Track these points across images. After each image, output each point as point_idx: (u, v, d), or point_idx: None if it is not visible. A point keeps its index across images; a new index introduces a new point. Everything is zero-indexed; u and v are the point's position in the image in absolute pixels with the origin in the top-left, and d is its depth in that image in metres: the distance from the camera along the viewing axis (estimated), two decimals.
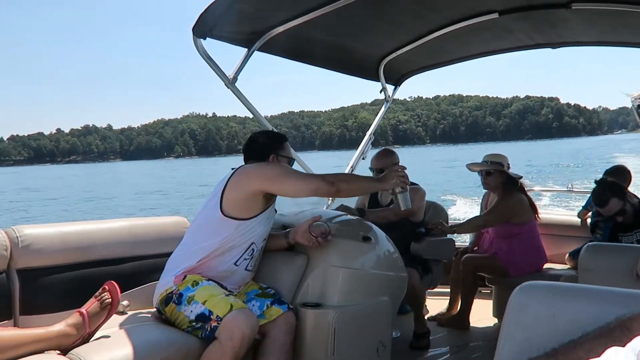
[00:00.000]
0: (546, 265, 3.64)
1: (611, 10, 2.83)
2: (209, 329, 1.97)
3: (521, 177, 3.58)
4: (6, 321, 2.03)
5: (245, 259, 2.24)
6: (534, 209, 3.55)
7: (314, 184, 2.18)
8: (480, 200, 3.93)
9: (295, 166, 2.90)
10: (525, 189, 3.65)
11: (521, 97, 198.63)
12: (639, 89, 0.64)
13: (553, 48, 3.77)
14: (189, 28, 2.68)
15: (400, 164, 3.38)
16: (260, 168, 2.24)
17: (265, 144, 2.42)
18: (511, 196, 3.46)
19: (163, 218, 2.74)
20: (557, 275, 3.30)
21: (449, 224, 3.47)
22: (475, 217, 3.68)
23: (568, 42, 3.71)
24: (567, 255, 3.67)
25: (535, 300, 1.14)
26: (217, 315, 1.96)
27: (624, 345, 0.74)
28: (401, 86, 4.36)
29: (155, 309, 2.25)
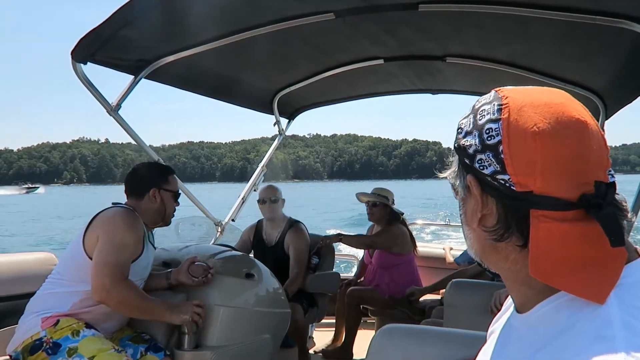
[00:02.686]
0: (424, 297, 3.84)
1: (479, 66, 3.16)
2: None
3: (403, 213, 3.79)
4: None
5: None
6: (413, 242, 3.80)
7: (99, 273, 1.94)
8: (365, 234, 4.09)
9: (183, 199, 2.82)
10: (407, 223, 3.88)
11: (409, 139, 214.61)
12: (450, 167, 0.71)
13: (433, 94, 4.16)
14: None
15: (284, 198, 3.43)
16: (110, 222, 2.04)
17: (147, 176, 2.27)
18: (394, 227, 3.69)
19: (26, 254, 2.50)
20: (431, 308, 3.49)
21: (335, 252, 3.64)
22: (364, 235, 3.89)
23: (445, 90, 4.09)
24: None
25: (393, 343, 1.21)
26: None
27: None
28: (301, 122, 4.51)
29: (9, 357, 1.99)
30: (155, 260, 2.45)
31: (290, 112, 4.36)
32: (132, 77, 2.93)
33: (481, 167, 0.64)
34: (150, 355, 2.07)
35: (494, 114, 0.64)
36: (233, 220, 3.94)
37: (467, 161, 0.66)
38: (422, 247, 4.54)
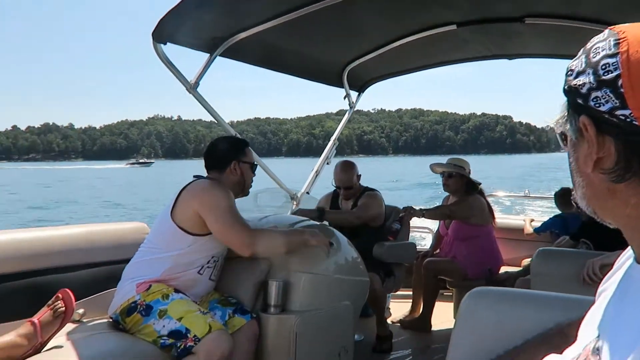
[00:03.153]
0: (503, 269, 3.74)
1: (562, 26, 2.97)
2: (182, 346, 1.94)
3: (480, 183, 3.68)
4: None
5: (208, 267, 2.22)
6: (491, 213, 3.67)
7: (234, 236, 2.12)
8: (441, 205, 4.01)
9: (259, 171, 2.91)
10: (485, 194, 3.77)
11: (478, 114, 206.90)
12: (555, 115, 0.67)
13: (509, 59, 3.93)
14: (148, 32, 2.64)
15: (361, 174, 3.45)
16: (206, 193, 2.16)
17: (226, 150, 2.37)
18: (472, 197, 3.58)
19: (122, 224, 2.68)
20: (513, 279, 3.40)
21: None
22: (442, 205, 3.79)
23: (522, 54, 3.86)
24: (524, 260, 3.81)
25: (484, 306, 1.17)
26: (195, 335, 1.92)
27: (561, 352, 0.76)
28: (365, 97, 4.44)
29: (110, 319, 2.17)
30: None
31: (360, 84, 4.32)
32: (207, 55, 3.03)
33: (597, 105, 0.59)
34: (238, 317, 2.17)
35: (610, 49, 0.59)
36: (307, 193, 4.00)
37: (579, 101, 0.62)
38: (501, 219, 4.41)
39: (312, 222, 2.79)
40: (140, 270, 2.15)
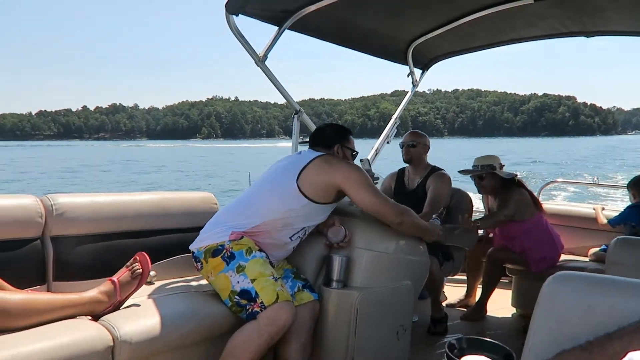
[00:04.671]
0: (565, 258, 3.61)
1: None
2: (250, 310, 2.00)
3: (516, 174, 3.50)
4: (39, 286, 2.09)
5: (299, 237, 2.28)
6: (535, 201, 3.47)
7: (385, 208, 2.28)
8: (482, 203, 3.86)
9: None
10: (524, 183, 3.58)
11: (539, 94, 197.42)
12: None
13: (587, 37, 3.66)
14: (215, 6, 2.70)
15: (429, 146, 3.43)
16: (349, 168, 2.28)
17: (333, 133, 2.50)
18: (513, 191, 3.39)
19: (191, 193, 2.77)
20: (581, 268, 3.27)
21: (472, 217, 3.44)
22: (495, 212, 3.51)
23: (603, 31, 3.56)
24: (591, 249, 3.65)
25: (569, 291, 1.12)
26: (262, 302, 1.98)
27: None
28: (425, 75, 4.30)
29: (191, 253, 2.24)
30: None
31: (424, 62, 4.20)
32: (276, 28, 3.05)
33: None
34: (306, 292, 2.22)
35: None
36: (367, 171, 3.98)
37: None
38: (566, 207, 4.24)
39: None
40: (238, 219, 2.20)
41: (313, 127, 3.22)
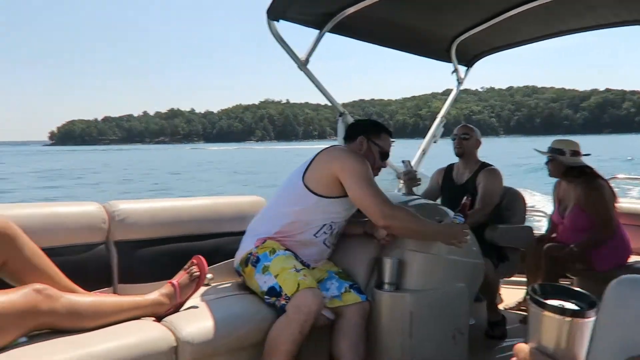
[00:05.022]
0: (635, 259, 3.41)
1: None
2: (278, 305, 2.04)
3: (583, 164, 3.30)
4: (106, 288, 2.20)
5: (324, 233, 2.28)
6: (614, 197, 3.27)
7: (372, 206, 2.11)
8: (552, 190, 3.70)
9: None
10: (605, 177, 3.37)
11: (600, 89, 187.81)
12: None
13: None
14: (260, 12, 2.76)
15: (481, 140, 3.34)
16: (348, 158, 2.19)
17: (357, 125, 2.47)
18: (599, 185, 3.21)
19: (242, 197, 2.83)
20: None
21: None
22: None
23: None
24: None
25: (637, 296, 1.07)
26: (286, 294, 2.01)
27: None
28: (473, 76, 4.20)
29: (234, 281, 2.34)
30: None
31: (469, 58, 4.10)
32: (317, 32, 3.08)
33: None
34: (354, 293, 2.21)
35: None
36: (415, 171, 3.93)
37: None
38: (632, 204, 4.01)
39: (425, 201, 2.77)
40: (261, 227, 2.29)
41: None
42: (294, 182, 2.26)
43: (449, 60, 3.91)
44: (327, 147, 2.30)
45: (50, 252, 1.90)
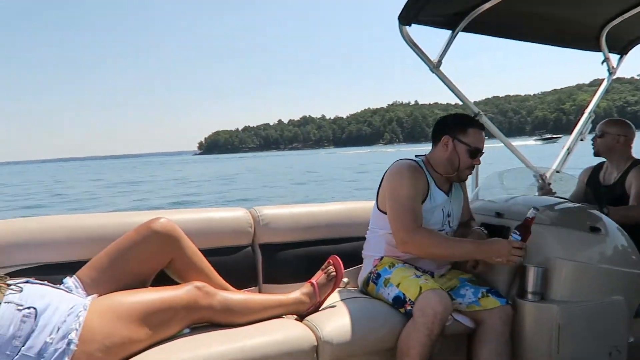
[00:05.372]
0: None
1: None
2: (404, 311, 2.04)
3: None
4: (253, 287, 2.40)
5: None
6: None
7: (395, 227, 2.11)
8: None
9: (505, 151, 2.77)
10: None
11: None
12: None
13: None
14: (389, 18, 2.79)
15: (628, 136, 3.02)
16: (391, 175, 2.21)
17: (444, 123, 2.27)
18: None
19: (371, 202, 2.88)
20: None
21: None
22: None
23: None
24: None
25: None
26: (410, 299, 2.00)
27: None
28: (626, 61, 3.76)
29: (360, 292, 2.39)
30: (486, 210, 2.53)
31: (622, 45, 3.66)
32: (449, 32, 3.01)
33: None
34: (492, 297, 2.12)
35: None
36: (557, 172, 3.64)
37: None
38: None
39: (572, 204, 2.56)
40: (373, 249, 2.35)
41: (494, 130, 3.09)
42: (374, 208, 2.33)
43: (598, 49, 3.55)
44: (390, 168, 2.27)
45: (204, 253, 2.12)
